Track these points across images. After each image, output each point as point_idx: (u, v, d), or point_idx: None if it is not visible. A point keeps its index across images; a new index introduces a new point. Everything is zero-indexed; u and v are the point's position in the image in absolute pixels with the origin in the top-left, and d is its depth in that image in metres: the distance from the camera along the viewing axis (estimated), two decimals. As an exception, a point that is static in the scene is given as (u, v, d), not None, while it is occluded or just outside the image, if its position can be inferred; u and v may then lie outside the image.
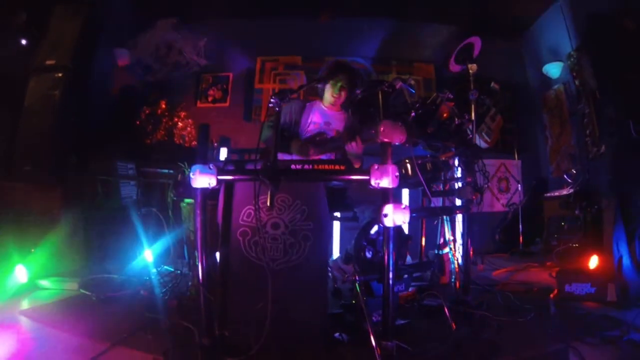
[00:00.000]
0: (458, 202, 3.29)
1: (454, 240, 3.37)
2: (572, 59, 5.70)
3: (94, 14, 5.13)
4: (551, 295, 3.29)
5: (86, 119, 5.12)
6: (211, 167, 2.03)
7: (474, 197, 2.92)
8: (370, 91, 2.61)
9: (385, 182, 1.96)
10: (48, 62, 4.78)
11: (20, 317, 2.78)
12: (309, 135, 3.37)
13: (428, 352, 2.20)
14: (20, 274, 3.36)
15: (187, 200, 3.35)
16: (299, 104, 3.48)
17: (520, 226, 5.56)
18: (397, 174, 1.98)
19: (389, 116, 2.39)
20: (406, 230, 2.96)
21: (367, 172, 2.00)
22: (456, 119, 2.78)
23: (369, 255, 2.57)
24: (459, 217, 3.53)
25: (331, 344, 2.26)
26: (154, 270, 3.57)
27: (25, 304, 3.10)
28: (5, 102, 4.67)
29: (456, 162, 3.24)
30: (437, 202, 3.45)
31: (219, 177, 2.05)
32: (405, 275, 2.68)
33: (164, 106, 6.07)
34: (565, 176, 5.24)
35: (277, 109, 2.25)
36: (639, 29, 4.41)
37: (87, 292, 3.28)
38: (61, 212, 4.03)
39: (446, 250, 3.45)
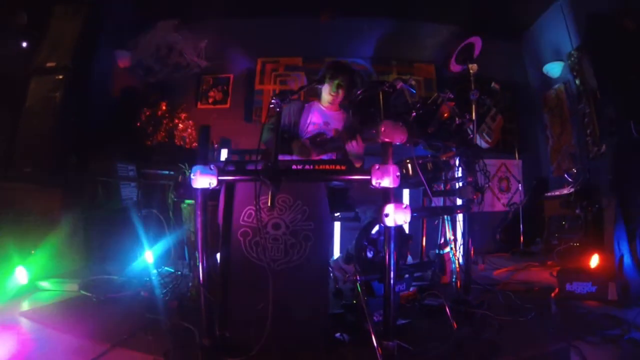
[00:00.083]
0: (459, 201, 3.29)
1: (455, 240, 3.38)
2: (572, 59, 5.71)
3: (94, 14, 5.13)
4: (552, 295, 3.28)
5: (86, 120, 5.12)
6: (212, 167, 2.03)
7: (474, 196, 2.92)
8: (371, 91, 2.61)
9: (387, 182, 1.96)
10: (49, 64, 4.78)
11: (20, 319, 2.78)
12: (309, 136, 3.37)
13: (429, 351, 2.20)
14: (21, 275, 3.36)
15: (187, 201, 3.35)
16: (298, 105, 3.48)
17: (521, 226, 5.56)
18: (398, 173, 1.98)
19: (389, 116, 2.39)
20: (407, 230, 2.96)
21: (368, 172, 2.00)
22: (457, 119, 2.78)
23: (370, 255, 2.57)
24: (459, 217, 3.54)
25: (332, 344, 2.26)
26: (155, 271, 3.57)
27: (25, 305, 3.10)
28: (6, 102, 4.67)
29: (457, 162, 3.25)
30: (438, 201, 3.45)
31: (220, 178, 2.05)
32: (407, 275, 2.68)
33: (164, 107, 6.07)
34: (565, 175, 5.24)
35: (277, 109, 2.25)
36: (639, 29, 4.41)
37: (88, 294, 3.27)
38: (61, 213, 4.03)
39: (447, 249, 3.46)
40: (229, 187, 2.30)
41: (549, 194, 5.43)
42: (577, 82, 5.70)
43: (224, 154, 5.43)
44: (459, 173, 3.25)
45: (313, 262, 2.24)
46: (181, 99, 6.58)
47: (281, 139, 2.88)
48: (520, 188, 5.88)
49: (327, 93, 3.42)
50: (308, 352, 2.18)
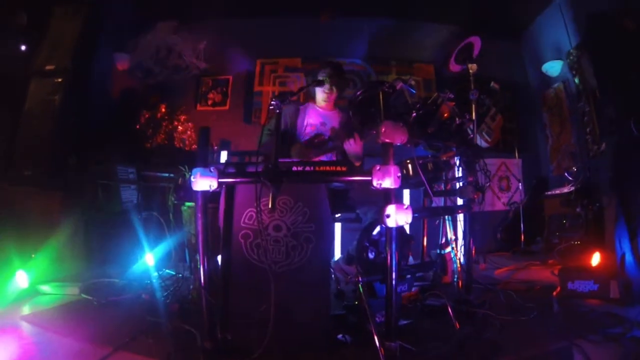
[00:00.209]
0: (459, 201, 3.28)
1: (456, 240, 3.37)
2: (571, 57, 5.71)
3: (93, 15, 5.12)
4: (554, 293, 3.28)
5: (86, 123, 5.12)
6: (212, 169, 2.03)
7: (475, 196, 2.92)
8: (370, 92, 2.61)
9: (388, 183, 1.96)
10: (48, 67, 4.78)
11: (21, 323, 2.77)
12: (308, 138, 3.37)
13: (431, 351, 2.19)
14: (21, 279, 3.35)
15: (188, 203, 3.35)
16: (293, 108, 3.49)
17: (522, 225, 5.55)
18: (399, 174, 1.98)
19: (390, 117, 2.39)
20: (408, 231, 2.96)
21: (369, 173, 2.00)
22: (457, 119, 2.77)
23: (371, 256, 2.56)
24: (460, 217, 3.53)
25: (334, 346, 2.26)
26: (155, 273, 3.56)
27: (26, 309, 3.09)
28: (5, 104, 4.67)
29: (457, 162, 3.25)
30: (439, 201, 3.45)
31: (220, 180, 2.05)
32: (408, 276, 2.67)
33: (163, 110, 6.07)
34: (566, 174, 5.24)
35: (277, 111, 2.25)
36: (639, 28, 4.41)
37: (89, 297, 3.27)
38: (61, 216, 4.02)
39: (448, 249, 3.45)
40: (230, 189, 2.29)
41: (549, 192, 5.44)
42: (577, 80, 5.70)
43: (223, 155, 5.42)
44: (459, 173, 3.25)
45: (314, 263, 2.23)
46: (180, 100, 6.58)
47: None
48: (520, 187, 5.87)
49: (320, 92, 3.44)
50: (310, 354, 2.18)
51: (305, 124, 3.46)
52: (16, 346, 2.38)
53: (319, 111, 3.51)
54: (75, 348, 2.34)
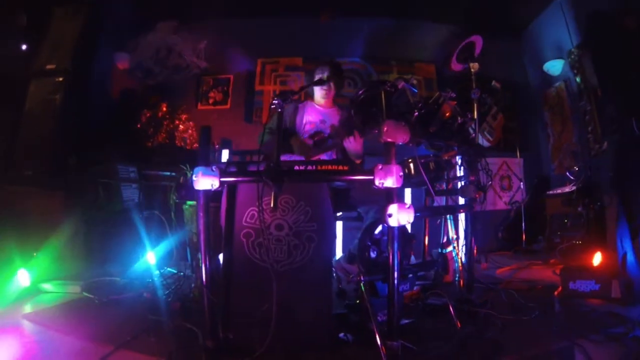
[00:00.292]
0: (461, 200, 3.28)
1: (457, 239, 3.37)
2: (572, 56, 5.70)
3: (93, 15, 5.13)
4: (555, 293, 3.28)
5: (87, 122, 5.12)
6: (214, 169, 2.03)
7: (477, 195, 2.92)
8: (372, 91, 2.60)
9: (390, 182, 1.95)
10: (48, 67, 4.78)
11: (23, 321, 2.78)
12: (307, 136, 3.37)
13: (433, 351, 2.19)
14: (23, 277, 3.36)
15: (189, 202, 3.35)
16: (292, 106, 3.49)
17: (523, 224, 5.54)
18: (401, 173, 1.98)
19: (392, 116, 2.38)
20: (409, 230, 2.96)
21: (371, 172, 2.00)
22: (459, 118, 2.77)
23: (373, 255, 2.56)
24: (461, 216, 3.53)
25: (336, 345, 2.26)
26: (157, 272, 3.56)
27: (28, 308, 3.09)
28: (6, 104, 4.67)
29: (459, 161, 3.24)
30: (440, 201, 3.45)
31: (222, 179, 2.05)
32: (410, 275, 2.67)
33: (164, 109, 6.06)
34: (567, 173, 5.24)
35: (279, 110, 2.25)
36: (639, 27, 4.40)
37: (90, 295, 3.27)
38: (63, 215, 4.02)
39: (450, 249, 3.45)
40: (231, 188, 2.29)
41: (550, 192, 5.43)
42: (578, 79, 5.69)
43: (224, 154, 5.42)
44: (460, 172, 3.24)
45: (316, 263, 2.23)
46: (181, 100, 6.58)
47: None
48: (521, 186, 5.88)
49: (319, 90, 3.45)
50: (312, 353, 2.17)
51: (304, 122, 3.46)
52: (18, 345, 2.39)
53: (318, 109, 3.51)
54: (77, 346, 2.34)
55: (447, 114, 2.68)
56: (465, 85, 3.71)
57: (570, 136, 6.01)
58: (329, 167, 2.16)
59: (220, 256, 2.36)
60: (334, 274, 3.28)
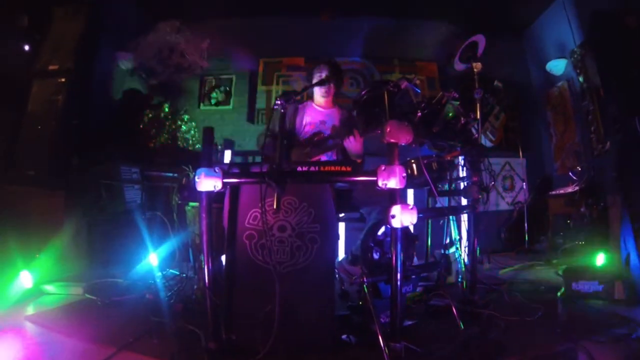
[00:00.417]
0: (464, 201, 3.27)
1: (460, 240, 3.36)
2: (575, 56, 5.69)
3: (94, 14, 5.12)
4: (558, 294, 3.27)
5: (89, 123, 5.12)
6: (217, 170, 2.03)
7: (479, 196, 2.91)
8: (375, 91, 2.59)
9: (393, 183, 1.95)
10: (51, 67, 4.78)
11: (25, 323, 2.78)
12: (307, 137, 3.36)
13: (436, 352, 2.19)
14: (25, 279, 3.36)
15: (191, 203, 3.34)
16: (292, 107, 3.47)
17: (526, 224, 5.53)
18: (405, 174, 1.97)
19: (395, 116, 2.37)
20: (412, 231, 2.95)
21: (374, 173, 1.99)
22: (462, 118, 2.76)
23: (376, 256, 2.55)
24: (464, 217, 3.52)
25: (339, 346, 2.25)
26: (159, 273, 3.56)
27: (30, 309, 3.10)
28: (8, 104, 4.67)
29: (461, 162, 3.23)
30: (442, 201, 3.44)
31: (225, 180, 2.04)
32: (413, 276, 2.67)
33: (167, 109, 6.07)
34: (570, 173, 5.23)
35: (282, 110, 2.25)
36: (641, 26, 4.40)
37: (93, 297, 3.27)
38: (65, 216, 4.02)
39: (452, 249, 3.44)
40: (234, 189, 2.28)
41: (553, 192, 5.42)
42: (581, 79, 5.68)
43: (227, 155, 5.43)
44: (463, 173, 3.23)
45: (319, 264, 2.23)
46: (183, 100, 6.59)
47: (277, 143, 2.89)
48: (524, 186, 5.86)
49: (318, 90, 3.43)
50: (315, 354, 2.17)
51: (304, 123, 3.45)
52: (20, 346, 2.38)
53: (318, 109, 3.50)
54: (80, 348, 2.35)
55: (450, 114, 2.68)
56: (468, 85, 3.70)
57: (573, 136, 6.00)
58: (332, 168, 2.15)
59: (223, 258, 2.35)
60: (337, 276, 3.28)
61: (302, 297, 2.19)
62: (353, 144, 3.03)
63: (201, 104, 6.84)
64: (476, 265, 3.11)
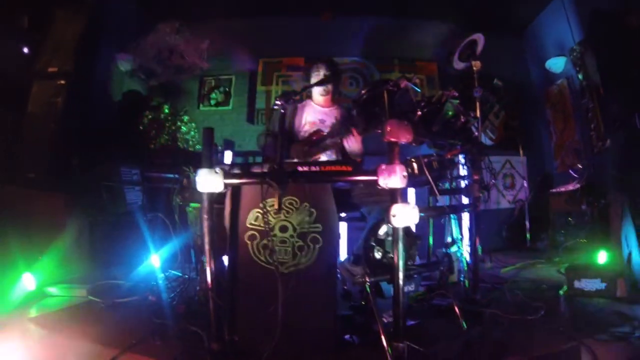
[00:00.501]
0: (465, 200, 3.27)
1: (462, 239, 3.36)
2: (575, 54, 5.69)
3: (94, 15, 5.13)
4: (561, 292, 3.27)
5: (89, 124, 5.12)
6: (217, 170, 2.03)
7: (480, 194, 2.91)
8: (375, 91, 2.59)
9: (394, 182, 1.95)
10: (50, 69, 4.78)
11: (29, 325, 2.77)
12: (306, 136, 3.36)
13: (439, 352, 2.19)
14: (28, 281, 3.35)
15: (193, 204, 3.34)
16: (291, 106, 3.47)
17: (527, 222, 5.53)
18: (405, 173, 1.97)
19: (394, 115, 2.37)
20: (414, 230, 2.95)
21: (374, 172, 1.99)
22: (461, 117, 2.76)
23: (378, 255, 2.55)
24: (465, 215, 3.52)
25: (341, 346, 2.25)
26: (161, 275, 3.56)
27: (33, 312, 3.09)
28: (9, 106, 4.67)
29: (462, 160, 3.23)
30: (443, 200, 3.43)
31: (226, 181, 2.04)
32: (415, 275, 2.67)
33: (166, 110, 6.07)
34: (570, 171, 5.23)
35: (282, 110, 2.25)
36: (641, 24, 4.41)
37: (96, 299, 3.27)
38: (66, 218, 4.02)
39: (454, 248, 3.44)
40: (235, 189, 2.28)
41: (554, 190, 5.42)
42: (580, 77, 5.68)
43: (227, 156, 5.42)
44: (464, 171, 3.23)
45: (321, 264, 2.22)
46: (183, 101, 6.59)
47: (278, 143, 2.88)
48: (525, 185, 5.86)
49: (316, 88, 3.42)
50: (318, 355, 2.17)
51: (303, 122, 3.45)
52: (24, 349, 2.38)
53: (317, 108, 3.50)
54: (83, 350, 2.35)
55: (450, 113, 2.68)
56: (467, 84, 3.70)
57: (573, 134, 6.00)
58: (333, 167, 2.15)
59: (225, 258, 2.35)
60: (339, 276, 3.28)
61: (304, 297, 2.18)
62: (352, 142, 3.03)
63: (201, 105, 6.84)
64: (478, 264, 3.11)
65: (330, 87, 3.42)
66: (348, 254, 3.36)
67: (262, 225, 2.19)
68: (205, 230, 2.09)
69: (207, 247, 2.09)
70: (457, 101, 2.80)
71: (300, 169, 2.11)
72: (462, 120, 2.80)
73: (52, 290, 3.49)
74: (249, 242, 2.23)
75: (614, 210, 3.81)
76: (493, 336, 2.45)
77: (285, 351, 2.04)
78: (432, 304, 2.95)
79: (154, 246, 3.72)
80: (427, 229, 3.65)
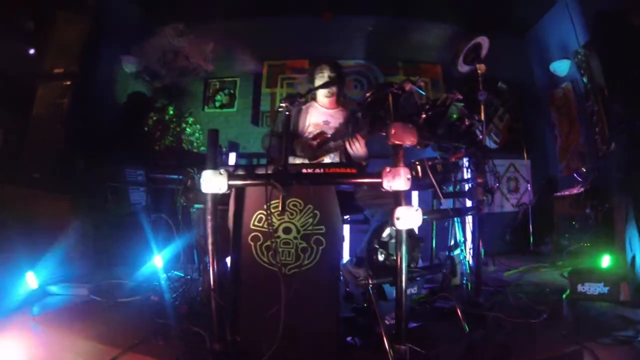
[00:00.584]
0: (468, 203, 3.27)
1: (465, 242, 3.36)
2: (579, 56, 5.68)
3: (99, 17, 5.15)
4: (564, 296, 3.26)
5: (94, 126, 5.14)
6: (222, 172, 2.03)
7: (484, 197, 2.91)
8: (380, 93, 2.59)
9: (398, 185, 1.95)
10: (56, 71, 4.81)
11: (31, 324, 2.78)
12: (310, 137, 3.37)
13: (441, 355, 2.18)
14: (31, 280, 3.36)
15: (196, 205, 3.35)
16: (295, 108, 3.47)
17: (531, 226, 5.52)
18: (409, 176, 1.97)
19: (399, 118, 2.38)
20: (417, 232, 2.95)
21: (379, 174, 1.99)
22: (466, 120, 2.76)
23: (381, 258, 2.55)
24: (469, 218, 3.52)
25: (344, 349, 2.26)
26: (164, 275, 3.57)
27: (36, 310, 3.09)
28: (14, 107, 4.69)
29: (466, 163, 3.23)
30: (447, 203, 3.43)
31: (230, 182, 2.04)
32: (418, 278, 2.66)
33: (171, 112, 6.08)
34: (575, 175, 5.21)
35: (287, 113, 2.25)
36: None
37: (98, 298, 3.28)
38: (70, 218, 4.03)
39: (457, 251, 3.44)
40: (239, 191, 2.28)
41: (558, 193, 5.40)
42: (585, 80, 5.67)
43: (232, 157, 5.44)
44: (468, 174, 3.23)
45: (325, 266, 2.22)
46: (188, 103, 6.61)
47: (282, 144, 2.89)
48: (529, 188, 5.85)
49: (321, 91, 3.43)
50: (320, 357, 2.17)
51: (307, 123, 3.46)
52: (26, 347, 2.39)
53: (322, 110, 3.51)
54: (85, 349, 2.35)
55: (455, 116, 2.68)
56: (472, 87, 3.70)
57: (578, 137, 5.99)
58: (337, 170, 2.16)
59: (228, 259, 2.35)
60: (341, 277, 3.28)
61: (307, 299, 2.18)
62: (356, 146, 3.03)
63: (205, 107, 6.85)
64: (481, 267, 3.10)
65: (334, 89, 3.43)
66: (351, 256, 3.36)
67: (265, 226, 2.19)
68: (209, 231, 2.09)
69: (210, 248, 2.09)
70: (462, 104, 2.80)
71: (304, 171, 2.12)
72: (467, 123, 2.80)
73: (54, 289, 3.50)
74: (252, 243, 2.23)
75: (618, 213, 3.79)
76: (496, 339, 2.44)
77: (287, 352, 2.03)
78: (434, 307, 2.94)
79: (157, 247, 3.73)
80: (430, 231, 3.65)
